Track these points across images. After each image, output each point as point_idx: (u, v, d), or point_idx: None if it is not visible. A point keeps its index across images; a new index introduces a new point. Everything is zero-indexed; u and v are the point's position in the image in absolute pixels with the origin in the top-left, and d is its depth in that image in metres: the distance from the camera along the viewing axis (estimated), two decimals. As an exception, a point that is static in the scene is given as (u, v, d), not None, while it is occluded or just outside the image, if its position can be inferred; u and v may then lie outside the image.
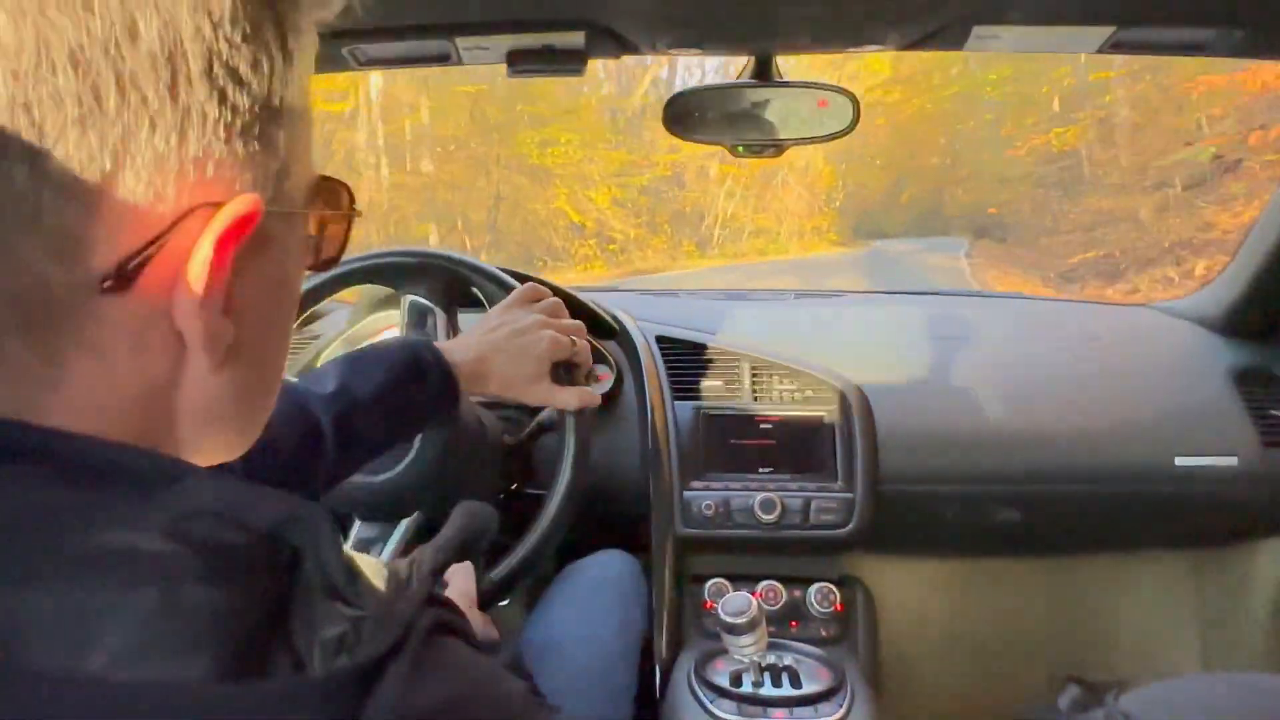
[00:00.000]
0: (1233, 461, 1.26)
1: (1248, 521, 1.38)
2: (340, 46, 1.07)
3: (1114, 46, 1.02)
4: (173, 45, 0.31)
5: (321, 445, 0.79)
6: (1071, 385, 1.34)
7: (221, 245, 0.34)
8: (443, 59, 1.10)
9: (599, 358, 1.29)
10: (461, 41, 1.05)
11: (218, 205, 0.34)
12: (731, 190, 19.60)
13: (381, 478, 0.95)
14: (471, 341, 0.92)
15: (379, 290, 1.23)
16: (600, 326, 1.19)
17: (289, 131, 0.37)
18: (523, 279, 1.06)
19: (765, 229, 20.73)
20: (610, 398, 1.28)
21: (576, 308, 1.14)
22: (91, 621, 0.29)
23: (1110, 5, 0.96)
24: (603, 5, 0.97)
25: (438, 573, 0.40)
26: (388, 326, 1.24)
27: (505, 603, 1.14)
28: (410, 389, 0.85)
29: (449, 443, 0.97)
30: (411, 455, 0.96)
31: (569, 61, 1.06)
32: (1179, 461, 1.26)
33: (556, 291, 1.15)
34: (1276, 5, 0.96)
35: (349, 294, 1.28)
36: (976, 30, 0.99)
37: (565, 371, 0.95)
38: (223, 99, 0.33)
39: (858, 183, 25.64)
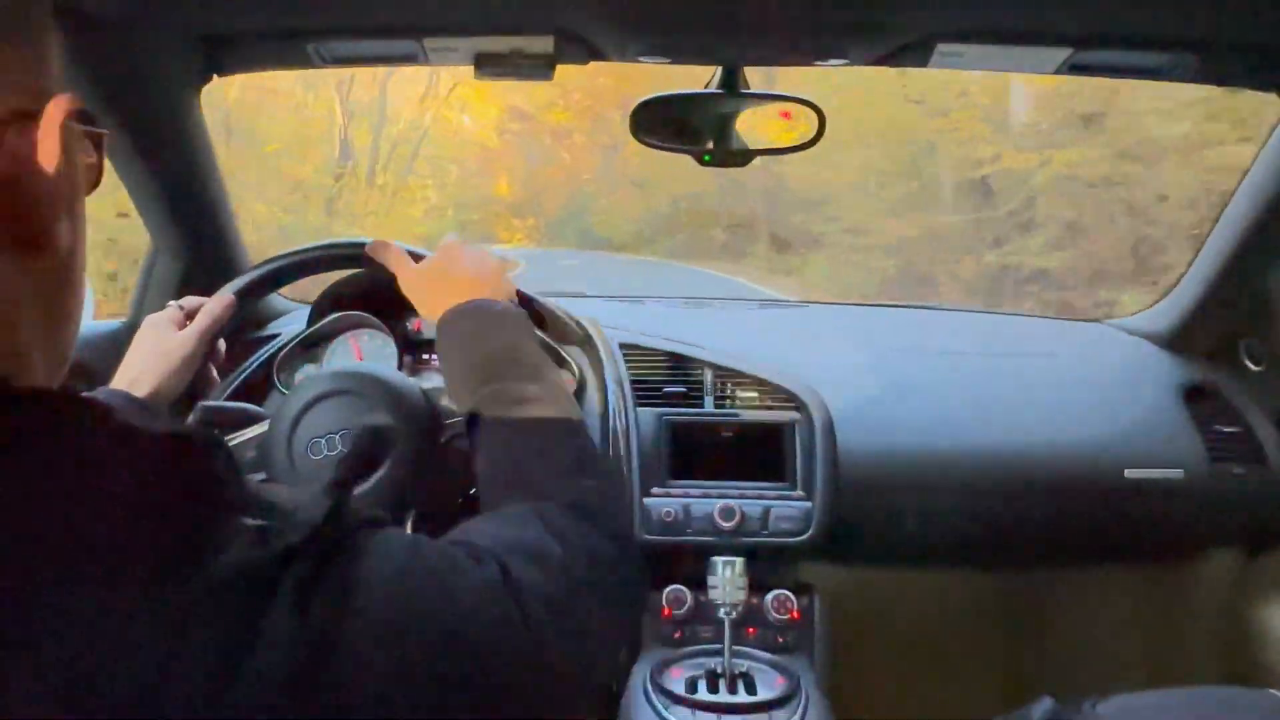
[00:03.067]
0: (1179, 474, 1.30)
1: (1194, 534, 1.41)
2: (305, 44, 1.06)
3: (1071, 68, 1.05)
4: None
5: None
6: (1027, 398, 1.37)
7: (61, 138, 0.37)
8: (409, 59, 1.09)
9: (561, 364, 1.28)
10: (429, 42, 1.04)
11: (33, 113, 0.36)
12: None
13: (356, 491, 0.91)
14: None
15: (339, 289, 1.22)
16: (566, 333, 1.19)
17: (57, 50, 0.40)
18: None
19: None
20: None
21: (541, 313, 1.13)
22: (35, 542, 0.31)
23: (1068, 28, 0.99)
24: (573, 11, 0.97)
25: (342, 485, 0.43)
26: (350, 327, 1.22)
27: None
28: None
29: (421, 453, 0.94)
30: (385, 469, 0.92)
31: (537, 65, 1.06)
32: (1129, 474, 1.29)
33: (523, 296, 1.14)
34: (1228, 33, 0.99)
35: (305, 293, 1.26)
36: (939, 48, 1.01)
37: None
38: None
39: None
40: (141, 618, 0.32)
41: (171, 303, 0.95)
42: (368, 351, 1.21)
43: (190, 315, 0.94)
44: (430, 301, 0.84)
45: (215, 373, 0.95)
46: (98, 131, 0.45)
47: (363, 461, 0.47)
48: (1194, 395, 1.38)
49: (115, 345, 1.10)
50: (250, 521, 0.37)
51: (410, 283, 0.89)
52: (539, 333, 1.19)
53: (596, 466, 0.69)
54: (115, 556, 0.32)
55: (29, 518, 0.32)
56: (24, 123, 0.36)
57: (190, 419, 0.97)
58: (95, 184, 0.46)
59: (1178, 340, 1.44)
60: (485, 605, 0.44)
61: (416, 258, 0.92)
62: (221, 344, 0.96)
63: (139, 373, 0.88)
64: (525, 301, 1.06)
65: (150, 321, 0.93)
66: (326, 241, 1.01)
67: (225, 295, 0.94)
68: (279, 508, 0.39)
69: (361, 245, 0.97)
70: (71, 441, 0.34)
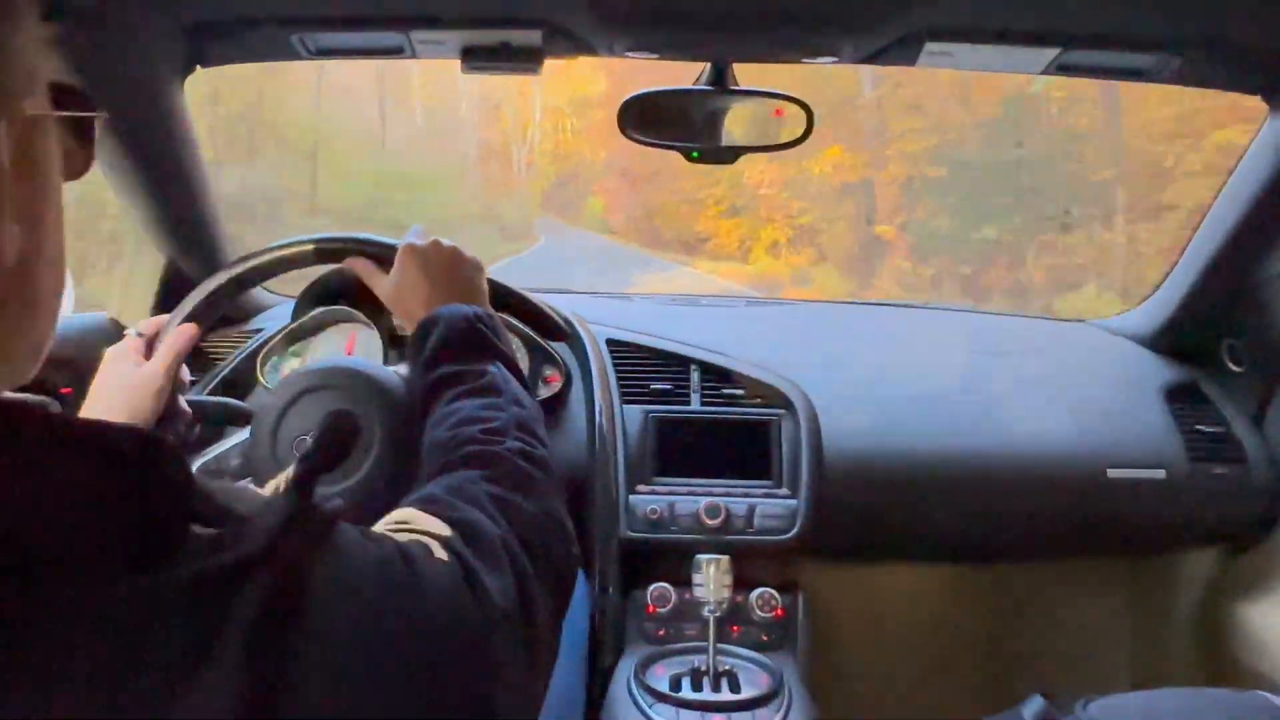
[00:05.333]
0: (1161, 474, 1.31)
1: (1174, 532, 1.42)
2: (290, 35, 1.05)
3: (1059, 68, 1.05)
4: None
5: None
6: (1011, 398, 1.37)
7: (24, 136, 0.35)
8: (395, 52, 1.08)
9: (548, 360, 1.28)
10: (416, 35, 1.03)
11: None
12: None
13: (342, 486, 0.88)
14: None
15: (324, 284, 1.21)
16: (551, 328, 1.18)
17: (32, 43, 0.37)
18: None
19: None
20: (558, 400, 1.27)
21: (526, 309, 1.13)
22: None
23: (1056, 28, 0.99)
24: (561, 5, 0.97)
25: (303, 484, 0.41)
26: (334, 322, 1.21)
27: None
28: None
29: (405, 446, 0.93)
30: (371, 461, 0.86)
31: (525, 59, 1.06)
32: (1111, 473, 1.30)
33: (508, 292, 1.14)
34: (1214, 36, 1.00)
35: (290, 288, 1.25)
36: (929, 46, 1.01)
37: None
38: None
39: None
40: (88, 634, 0.31)
41: (129, 330, 0.93)
42: (357, 346, 1.21)
43: (150, 341, 0.93)
44: (408, 313, 0.87)
45: (183, 402, 0.94)
46: (86, 115, 0.42)
47: (329, 454, 0.46)
48: (1176, 396, 1.39)
49: (101, 339, 1.09)
50: (202, 531, 0.35)
51: (386, 296, 0.91)
52: (524, 328, 1.19)
53: (531, 427, 0.71)
54: (58, 564, 0.31)
55: None
56: None
57: (176, 412, 0.96)
58: (80, 172, 0.43)
59: (1160, 341, 1.46)
60: (445, 609, 0.44)
61: (387, 260, 0.92)
62: (185, 372, 0.95)
63: (108, 407, 0.87)
64: (512, 298, 1.05)
65: (112, 354, 0.91)
66: (301, 238, 0.99)
67: (186, 326, 0.93)
68: (234, 514, 0.37)
69: (333, 240, 0.96)
70: (10, 443, 0.33)
